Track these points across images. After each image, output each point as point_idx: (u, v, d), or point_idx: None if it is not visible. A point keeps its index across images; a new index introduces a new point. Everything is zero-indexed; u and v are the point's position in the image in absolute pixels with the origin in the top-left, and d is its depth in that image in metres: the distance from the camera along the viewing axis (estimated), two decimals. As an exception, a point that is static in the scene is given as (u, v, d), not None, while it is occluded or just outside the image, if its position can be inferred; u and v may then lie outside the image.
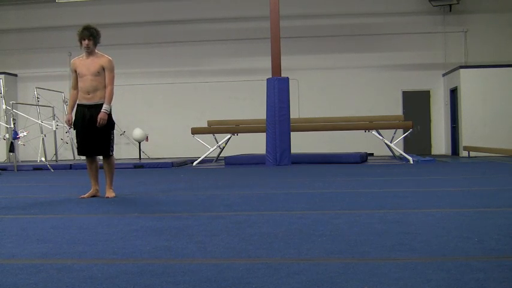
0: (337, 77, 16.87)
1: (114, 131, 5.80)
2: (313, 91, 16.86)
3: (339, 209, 4.53)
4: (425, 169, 9.69)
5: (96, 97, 5.56)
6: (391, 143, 13.43)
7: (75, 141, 6.23)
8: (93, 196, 5.72)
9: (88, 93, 5.56)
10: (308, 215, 4.13)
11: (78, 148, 5.79)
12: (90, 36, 5.53)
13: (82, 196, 5.71)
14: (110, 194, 5.68)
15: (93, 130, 5.59)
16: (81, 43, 5.60)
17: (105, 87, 5.58)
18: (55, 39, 17.41)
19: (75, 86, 5.67)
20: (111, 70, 5.60)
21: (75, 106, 5.72)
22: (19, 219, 4.31)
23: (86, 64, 5.58)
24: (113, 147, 5.73)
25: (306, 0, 16.85)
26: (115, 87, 5.70)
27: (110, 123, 5.67)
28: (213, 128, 14.00)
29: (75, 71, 5.63)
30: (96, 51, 5.64)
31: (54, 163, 13.33)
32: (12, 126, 12.08)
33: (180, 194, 6.16)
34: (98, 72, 5.54)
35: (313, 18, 16.88)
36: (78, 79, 5.62)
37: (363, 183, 7.03)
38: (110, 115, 5.64)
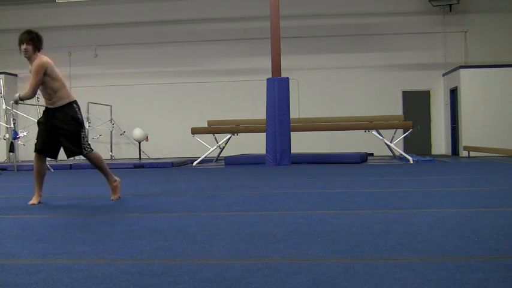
0: (337, 77, 16.87)
1: (86, 129, 5.27)
2: (313, 91, 16.86)
3: (339, 209, 4.52)
4: (425, 169, 9.69)
5: (57, 100, 5.11)
6: (391, 143, 13.42)
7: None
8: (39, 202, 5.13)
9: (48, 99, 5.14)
10: (308, 215, 4.12)
11: (37, 145, 5.15)
12: (29, 40, 4.98)
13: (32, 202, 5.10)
14: (116, 193, 5.29)
15: (57, 134, 5.13)
16: (20, 48, 5.05)
17: (57, 90, 5.09)
18: (55, 39, 17.38)
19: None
20: (36, 74, 4.98)
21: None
22: (19, 219, 4.31)
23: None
24: (88, 144, 5.24)
25: (306, 0, 16.86)
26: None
27: (78, 124, 5.13)
28: (213, 128, 13.99)
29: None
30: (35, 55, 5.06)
31: (54, 163, 13.30)
32: (12, 126, 12.07)
33: (180, 194, 6.15)
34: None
35: (313, 18, 16.88)
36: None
37: (363, 183, 7.02)
38: (76, 115, 5.14)
